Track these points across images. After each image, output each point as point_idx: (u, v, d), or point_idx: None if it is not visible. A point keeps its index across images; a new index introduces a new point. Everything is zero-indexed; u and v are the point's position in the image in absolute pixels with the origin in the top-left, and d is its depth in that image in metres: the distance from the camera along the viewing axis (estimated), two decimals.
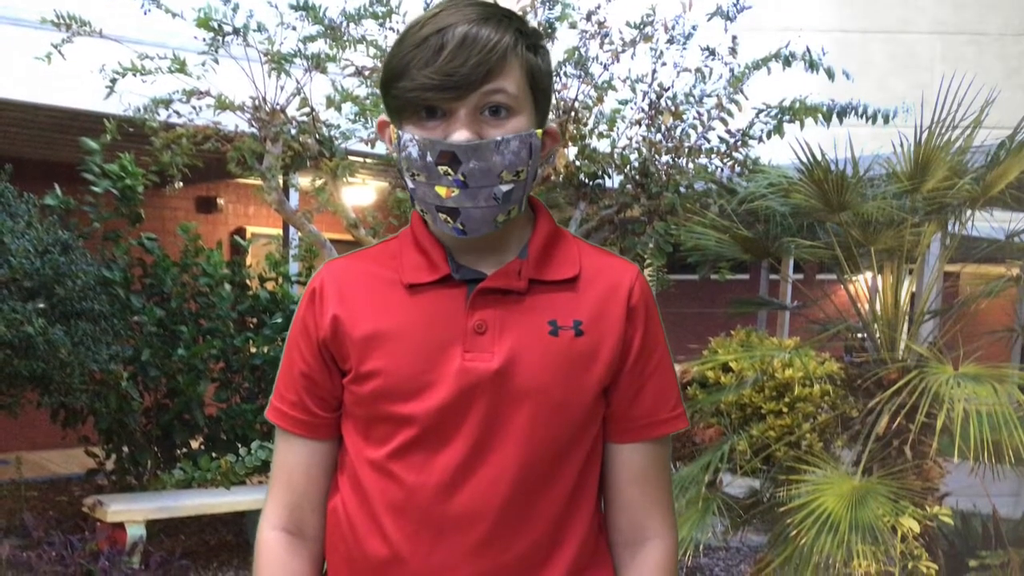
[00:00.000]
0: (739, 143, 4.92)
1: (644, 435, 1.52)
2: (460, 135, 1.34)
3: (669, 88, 4.93)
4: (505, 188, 1.38)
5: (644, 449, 1.53)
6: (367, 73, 4.69)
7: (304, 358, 1.50)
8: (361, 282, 1.49)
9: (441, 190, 1.37)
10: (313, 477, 1.54)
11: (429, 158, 1.36)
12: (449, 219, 1.39)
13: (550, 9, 4.71)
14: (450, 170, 1.35)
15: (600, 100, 4.88)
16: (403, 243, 1.51)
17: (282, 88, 4.64)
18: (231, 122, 4.71)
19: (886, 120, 4.65)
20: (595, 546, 1.53)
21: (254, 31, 4.49)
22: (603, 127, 4.99)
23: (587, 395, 1.45)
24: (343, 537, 1.50)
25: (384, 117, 1.46)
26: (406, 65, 1.35)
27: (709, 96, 4.92)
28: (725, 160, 4.96)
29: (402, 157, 1.40)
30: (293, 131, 4.69)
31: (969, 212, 4.21)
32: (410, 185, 1.42)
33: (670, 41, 4.85)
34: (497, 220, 1.41)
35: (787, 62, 4.70)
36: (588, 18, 4.78)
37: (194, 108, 4.64)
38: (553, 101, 4.68)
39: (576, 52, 4.78)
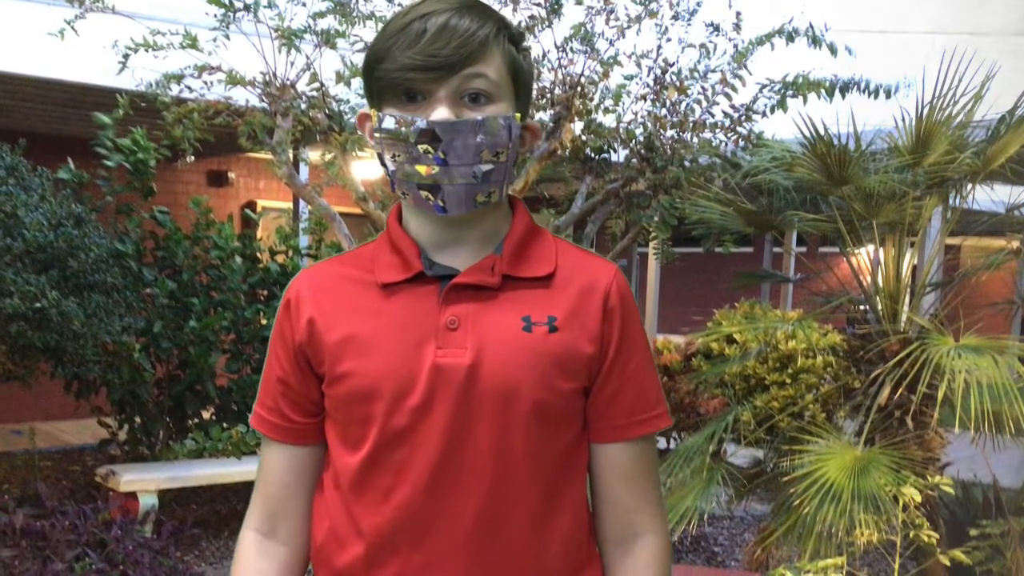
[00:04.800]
0: (743, 118, 4.95)
1: (625, 435, 1.51)
2: (440, 113, 1.36)
3: (674, 63, 4.96)
4: (485, 168, 1.39)
5: (627, 448, 1.52)
6: None
7: (280, 364, 1.51)
8: (335, 285, 1.50)
9: (422, 168, 1.38)
10: (287, 482, 1.55)
11: (410, 137, 1.37)
12: (431, 196, 1.40)
13: None
14: (430, 148, 1.36)
15: (606, 75, 4.89)
16: (379, 247, 1.52)
17: (292, 63, 4.66)
18: (242, 97, 4.73)
19: (888, 95, 4.68)
20: (586, 546, 1.53)
21: (264, 7, 4.50)
22: (609, 102, 5.01)
23: (561, 391, 1.43)
24: (328, 540, 1.50)
25: (364, 110, 1.47)
26: (388, 48, 1.37)
27: (713, 71, 4.94)
28: (729, 134, 4.99)
29: (382, 139, 1.41)
30: (303, 106, 4.71)
31: (970, 186, 4.25)
32: (391, 167, 1.42)
33: (675, 17, 4.87)
34: (477, 199, 1.41)
35: (790, 38, 4.73)
36: None
37: (205, 83, 4.66)
38: (560, 76, 4.73)
39: (582, 28, 4.79)
